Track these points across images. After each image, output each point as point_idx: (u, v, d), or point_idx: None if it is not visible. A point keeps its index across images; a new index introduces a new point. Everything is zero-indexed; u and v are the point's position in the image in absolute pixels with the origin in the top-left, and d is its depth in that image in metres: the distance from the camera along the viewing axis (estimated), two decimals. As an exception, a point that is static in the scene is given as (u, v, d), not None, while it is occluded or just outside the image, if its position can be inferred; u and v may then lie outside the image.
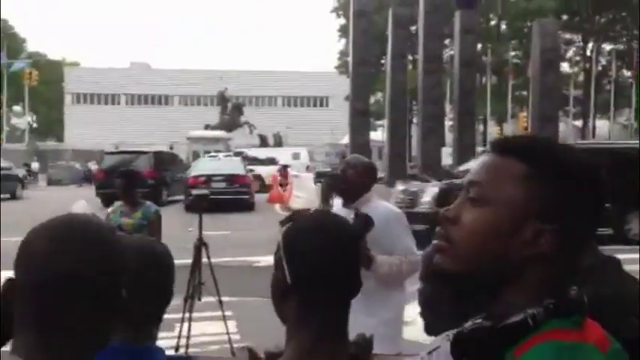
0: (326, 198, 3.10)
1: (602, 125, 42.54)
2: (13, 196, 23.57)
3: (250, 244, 11.38)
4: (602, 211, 0.94)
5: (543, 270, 0.92)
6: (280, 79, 70.39)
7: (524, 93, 39.83)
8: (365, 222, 2.89)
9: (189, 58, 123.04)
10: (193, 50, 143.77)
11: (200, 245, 5.27)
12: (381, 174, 24.81)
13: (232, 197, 17.58)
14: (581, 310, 0.92)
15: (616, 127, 40.41)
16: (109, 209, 5.33)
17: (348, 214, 3.14)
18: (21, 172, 27.36)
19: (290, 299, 1.17)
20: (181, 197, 19.26)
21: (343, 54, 47.87)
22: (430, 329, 1.46)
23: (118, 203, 5.24)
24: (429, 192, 11.79)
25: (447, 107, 34.32)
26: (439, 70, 23.68)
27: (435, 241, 1.00)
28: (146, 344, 1.40)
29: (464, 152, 23.07)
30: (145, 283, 1.35)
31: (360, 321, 2.68)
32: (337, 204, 3.16)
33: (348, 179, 3.08)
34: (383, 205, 3.20)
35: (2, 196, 22.43)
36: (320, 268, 1.15)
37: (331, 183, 3.08)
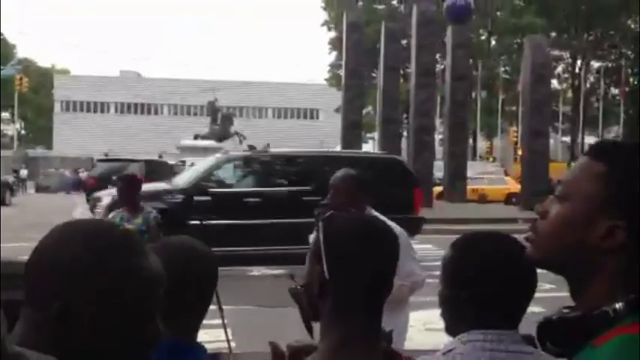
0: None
1: (591, 141, 42.97)
2: (2, 202, 23.42)
3: (244, 254, 11.34)
4: None
5: (621, 264, 0.97)
6: (271, 91, 70.51)
7: (514, 108, 40.17)
8: None
9: (179, 67, 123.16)
10: (184, 60, 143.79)
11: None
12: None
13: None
14: None
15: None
16: (110, 215, 5.30)
17: None
18: (9, 179, 27.24)
19: (326, 296, 1.18)
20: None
21: (334, 66, 48.08)
22: (450, 330, 1.48)
23: (118, 209, 5.23)
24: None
25: (437, 121, 34.53)
26: (432, 83, 23.83)
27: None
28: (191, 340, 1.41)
29: (455, 166, 23.21)
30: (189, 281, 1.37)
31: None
32: None
33: (340, 196, 3.00)
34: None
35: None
36: (359, 266, 1.16)
37: (324, 203, 3.02)
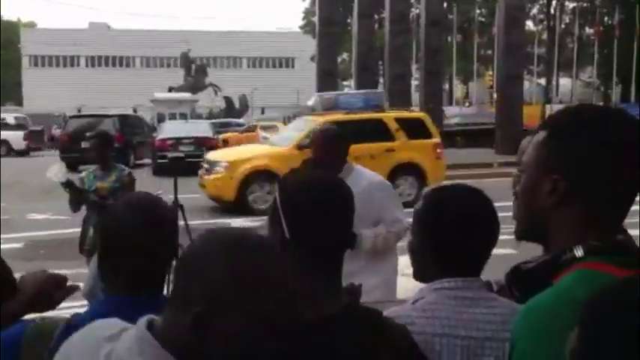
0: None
1: (565, 83, 43.17)
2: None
3: (223, 206, 11.40)
4: (622, 171, 1.03)
5: (573, 216, 1.04)
6: (245, 40, 69.27)
7: (489, 52, 40.06)
8: None
9: (148, 18, 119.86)
10: (153, 10, 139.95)
11: (176, 207, 5.27)
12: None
13: (201, 160, 17.48)
14: (626, 252, 1.02)
15: (579, 84, 41.06)
16: (82, 173, 5.27)
17: None
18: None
19: (288, 251, 1.21)
20: (148, 161, 19.02)
21: (308, 13, 47.28)
22: (418, 277, 1.55)
23: (91, 167, 5.19)
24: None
25: (413, 67, 34.37)
26: (406, 30, 23.61)
27: None
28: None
29: (430, 112, 23.26)
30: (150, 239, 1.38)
31: (362, 278, 2.75)
32: None
33: (320, 150, 3.05)
34: (366, 174, 3.17)
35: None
36: (318, 222, 1.20)
37: (307, 158, 3.05)
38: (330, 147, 3.07)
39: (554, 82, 43.40)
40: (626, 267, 0.98)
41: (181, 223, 5.32)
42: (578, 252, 1.00)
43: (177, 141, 18.02)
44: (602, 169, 1.02)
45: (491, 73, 33.78)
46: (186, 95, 44.07)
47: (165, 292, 1.44)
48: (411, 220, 1.61)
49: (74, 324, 1.26)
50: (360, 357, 1.14)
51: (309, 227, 1.21)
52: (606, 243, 1.01)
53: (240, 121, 35.53)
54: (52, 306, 1.48)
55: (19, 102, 64.02)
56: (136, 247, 1.34)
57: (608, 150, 1.03)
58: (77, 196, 4.96)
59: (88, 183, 5.02)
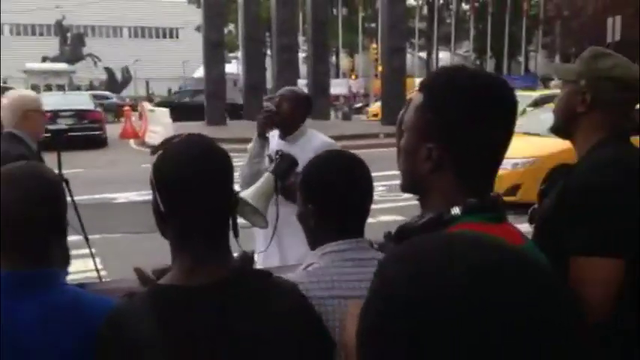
0: (262, 132, 3.01)
1: (444, 57, 45.04)
2: None
3: (106, 181, 10.98)
4: (492, 136, 1.12)
5: (448, 180, 1.12)
6: (125, 8, 66.08)
7: (373, 25, 40.91)
8: (289, 163, 2.97)
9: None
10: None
11: (61, 181, 5.04)
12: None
13: (83, 134, 16.65)
14: (495, 209, 1.12)
15: (456, 58, 42.99)
16: None
17: (286, 147, 3.16)
18: None
19: (168, 224, 1.23)
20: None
21: (192, -18, 45.89)
22: (310, 244, 1.59)
23: None
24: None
25: (300, 39, 34.45)
26: (293, 1, 23.56)
27: None
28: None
29: (318, 84, 23.51)
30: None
31: (295, 249, 2.78)
32: (274, 137, 3.13)
33: (284, 112, 3.07)
34: (318, 137, 3.21)
35: None
36: (189, 196, 1.20)
37: (267, 117, 3.04)
38: (297, 110, 3.14)
39: (433, 56, 45.16)
40: (497, 222, 1.10)
41: (68, 198, 5.10)
42: (455, 211, 1.09)
43: (56, 114, 17.04)
44: (473, 134, 1.10)
45: (375, 46, 34.55)
46: (63, 66, 41.62)
47: None
48: None
49: None
50: (250, 318, 1.17)
51: (178, 201, 1.21)
52: (481, 201, 1.10)
53: (122, 95, 34.07)
54: None
55: None
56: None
57: (478, 115, 1.10)
58: None
59: None
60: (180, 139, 1.25)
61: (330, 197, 1.50)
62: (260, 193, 2.57)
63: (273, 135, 3.14)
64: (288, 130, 3.11)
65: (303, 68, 30.00)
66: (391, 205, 7.73)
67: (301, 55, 31.36)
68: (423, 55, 46.77)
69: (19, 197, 1.31)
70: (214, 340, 1.10)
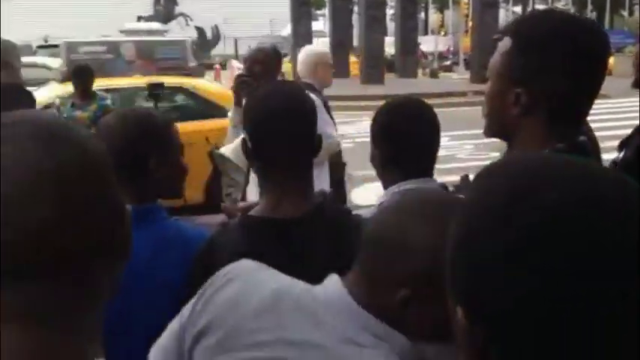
0: (238, 100, 2.99)
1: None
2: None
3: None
4: (585, 81, 1.09)
5: (538, 125, 1.11)
6: (215, -33, 66.88)
7: (465, -21, 39.34)
8: None
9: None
10: None
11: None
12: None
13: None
14: (585, 154, 1.11)
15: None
16: (57, 101, 5.22)
17: None
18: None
19: (254, 158, 1.34)
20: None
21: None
22: (384, 185, 1.66)
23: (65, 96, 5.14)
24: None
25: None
26: (381, -45, 23.02)
27: None
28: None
29: (405, 41, 23.04)
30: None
31: None
32: None
33: (258, 75, 3.05)
34: None
35: None
36: (273, 128, 1.29)
37: (241, 83, 3.04)
38: (268, 66, 3.15)
39: (529, 10, 43.00)
40: None
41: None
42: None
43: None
44: (565, 79, 1.08)
45: (466, 1, 33.30)
46: (157, 25, 42.84)
47: None
48: None
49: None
50: (331, 250, 1.23)
51: (263, 134, 1.31)
52: (570, 146, 1.09)
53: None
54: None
55: (-19, 33, 61.65)
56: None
57: (572, 60, 1.07)
58: None
59: (66, 112, 4.98)
60: (275, 82, 1.38)
61: (399, 141, 1.56)
62: (239, 149, 2.63)
63: None
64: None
65: (390, 25, 29.43)
66: (479, 163, 7.57)
67: (389, 11, 30.73)
68: (518, 9, 44.63)
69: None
70: (299, 270, 1.17)
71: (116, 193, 0.67)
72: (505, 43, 1.13)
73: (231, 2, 67.96)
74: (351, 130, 10.49)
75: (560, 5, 44.02)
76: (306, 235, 1.24)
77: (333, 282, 0.98)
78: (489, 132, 1.20)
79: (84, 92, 5.06)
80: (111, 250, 0.66)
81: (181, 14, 49.28)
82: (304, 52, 3.84)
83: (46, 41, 31.07)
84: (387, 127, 1.58)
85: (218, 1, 67.83)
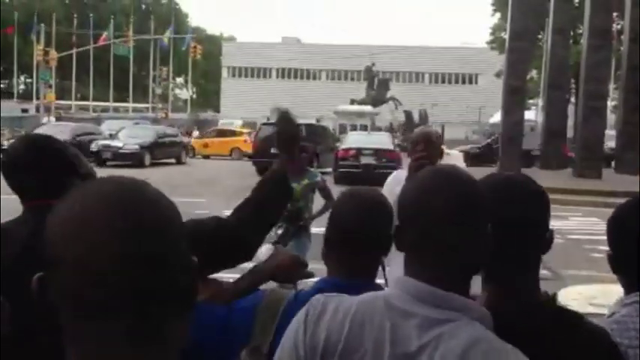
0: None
1: None
2: (179, 161, 25.41)
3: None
4: None
5: None
6: (428, 55, 69.22)
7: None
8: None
9: (337, 32, 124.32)
10: (342, 25, 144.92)
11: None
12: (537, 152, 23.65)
13: (381, 171, 17.78)
14: None
15: None
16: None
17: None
18: (185, 140, 29.27)
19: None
20: (329, 169, 19.76)
21: (497, 28, 45.96)
22: (626, 289, 1.54)
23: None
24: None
25: (611, 86, 31.93)
26: (606, 45, 22.00)
27: None
28: None
29: (628, 135, 21.45)
30: None
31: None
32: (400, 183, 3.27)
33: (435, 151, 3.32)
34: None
35: (168, 160, 24.38)
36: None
37: (420, 159, 3.19)
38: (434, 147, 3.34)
39: None
40: None
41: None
42: None
43: (359, 151, 18.51)
44: None
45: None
46: (368, 108, 45.05)
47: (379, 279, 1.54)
48: None
49: (300, 300, 1.37)
50: (561, 349, 1.18)
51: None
52: None
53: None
54: (290, 281, 1.65)
55: (216, 109, 69.87)
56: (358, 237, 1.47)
57: None
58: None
59: None
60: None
61: (632, 247, 1.45)
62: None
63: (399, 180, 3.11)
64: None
65: (611, 117, 27.68)
66: None
67: (610, 103, 29.02)
68: None
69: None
70: None
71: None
72: None
73: (440, 88, 69.36)
74: (559, 224, 9.88)
75: None
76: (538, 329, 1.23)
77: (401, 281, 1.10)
78: None
79: (297, 167, 5.34)
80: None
81: (392, 98, 51.25)
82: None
83: (268, 119, 34.22)
84: (623, 229, 1.48)
85: (428, 87, 69.69)
